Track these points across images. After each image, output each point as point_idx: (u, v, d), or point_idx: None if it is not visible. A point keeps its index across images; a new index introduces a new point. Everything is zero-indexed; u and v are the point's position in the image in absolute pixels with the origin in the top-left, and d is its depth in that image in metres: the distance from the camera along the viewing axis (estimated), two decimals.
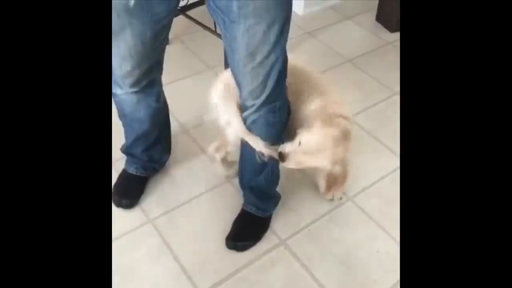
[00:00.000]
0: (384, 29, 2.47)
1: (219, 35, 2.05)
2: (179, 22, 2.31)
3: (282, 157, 1.27)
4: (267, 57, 1.13)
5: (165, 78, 1.45)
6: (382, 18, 2.50)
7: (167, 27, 1.24)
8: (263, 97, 1.20)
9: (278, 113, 1.26)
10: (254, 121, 1.26)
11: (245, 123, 1.27)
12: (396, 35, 2.43)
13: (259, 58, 1.12)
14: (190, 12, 2.22)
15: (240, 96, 1.24)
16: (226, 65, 2.02)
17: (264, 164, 1.36)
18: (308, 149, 1.27)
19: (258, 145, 1.28)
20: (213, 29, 2.09)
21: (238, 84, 1.22)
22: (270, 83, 1.18)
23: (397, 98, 2.04)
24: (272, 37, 1.10)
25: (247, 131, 1.28)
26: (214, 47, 2.20)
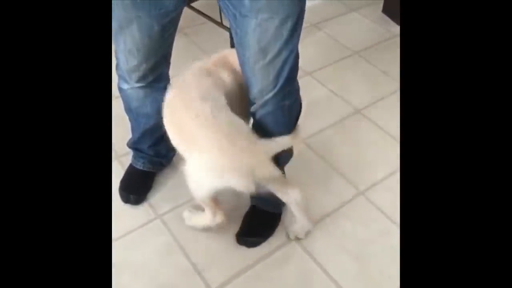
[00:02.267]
0: (391, 21, 2.44)
1: (224, 27, 2.02)
2: (183, 14, 2.26)
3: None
4: (278, 54, 1.09)
5: (169, 72, 1.42)
6: (388, 10, 2.46)
7: (175, 20, 1.21)
8: (272, 93, 1.16)
9: (287, 112, 1.23)
10: (262, 117, 1.22)
11: (253, 119, 1.24)
12: None
13: (270, 55, 1.08)
14: (195, 4, 2.18)
15: (250, 93, 1.20)
16: None
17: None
18: None
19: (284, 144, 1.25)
20: (219, 21, 2.05)
21: (248, 82, 1.18)
22: (281, 81, 1.14)
23: None
24: (285, 33, 1.06)
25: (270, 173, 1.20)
26: (220, 39, 2.16)
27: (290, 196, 1.32)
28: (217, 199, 1.31)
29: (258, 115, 1.22)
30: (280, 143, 1.22)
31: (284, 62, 1.11)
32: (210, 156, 1.13)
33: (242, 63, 1.16)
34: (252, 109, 1.23)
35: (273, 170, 1.21)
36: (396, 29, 2.39)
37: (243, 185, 1.17)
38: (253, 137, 1.19)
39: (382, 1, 2.49)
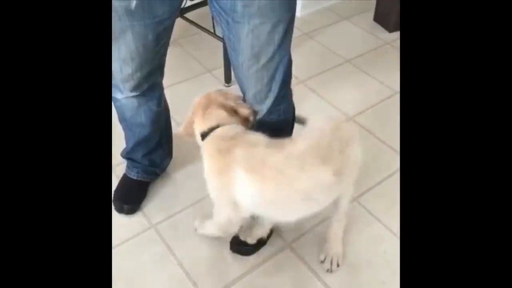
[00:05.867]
0: (382, 29, 2.47)
1: (217, 37, 2.04)
2: (177, 24, 2.28)
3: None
4: (271, 58, 1.10)
5: (163, 81, 1.43)
6: (380, 18, 2.49)
7: (169, 29, 1.22)
8: (269, 102, 1.17)
9: (283, 116, 1.24)
10: (257, 121, 1.23)
11: (249, 123, 1.25)
12: (395, 35, 2.43)
13: (263, 60, 1.10)
14: (188, 15, 2.20)
15: (245, 99, 1.22)
16: (226, 68, 2.01)
17: None
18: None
19: None
20: (212, 31, 2.07)
21: (242, 86, 1.20)
22: (275, 86, 1.16)
23: (397, 98, 2.03)
24: (277, 37, 1.08)
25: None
26: (213, 49, 2.18)
27: None
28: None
29: (253, 120, 1.23)
30: None
31: (277, 66, 1.13)
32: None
33: (235, 68, 1.17)
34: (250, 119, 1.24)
35: None
36: (387, 36, 2.42)
37: None
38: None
39: (374, 10, 2.52)
